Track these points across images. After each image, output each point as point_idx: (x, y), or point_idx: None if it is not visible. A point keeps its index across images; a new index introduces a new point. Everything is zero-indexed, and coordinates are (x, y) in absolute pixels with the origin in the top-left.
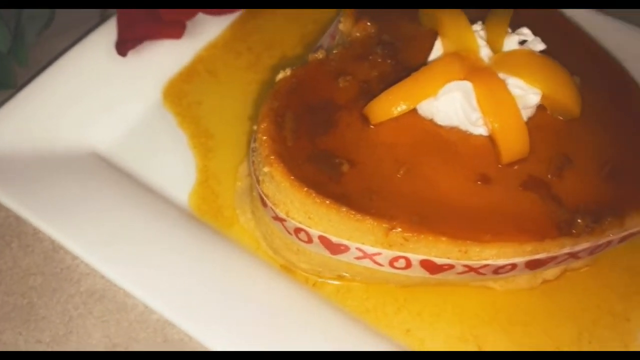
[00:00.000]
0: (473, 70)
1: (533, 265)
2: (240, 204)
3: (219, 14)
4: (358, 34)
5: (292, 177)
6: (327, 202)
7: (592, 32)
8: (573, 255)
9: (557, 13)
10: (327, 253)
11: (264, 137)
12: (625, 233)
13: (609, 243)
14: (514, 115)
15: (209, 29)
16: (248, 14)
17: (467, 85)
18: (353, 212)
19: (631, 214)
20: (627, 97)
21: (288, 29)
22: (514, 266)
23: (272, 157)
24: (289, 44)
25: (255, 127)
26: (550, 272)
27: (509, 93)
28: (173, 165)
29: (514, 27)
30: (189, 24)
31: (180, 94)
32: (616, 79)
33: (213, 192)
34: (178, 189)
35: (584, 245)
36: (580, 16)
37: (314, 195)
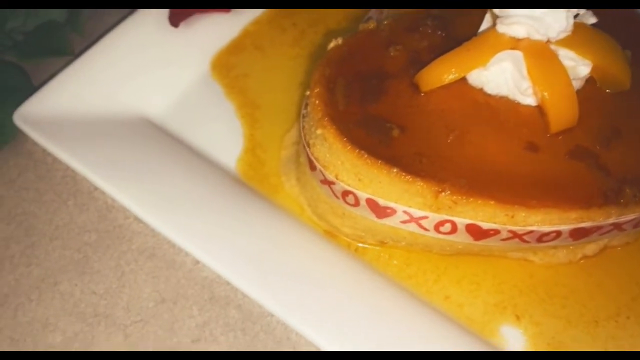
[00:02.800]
0: (524, 39)
1: (578, 234)
2: (286, 171)
3: None
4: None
5: (345, 139)
6: (379, 163)
7: None
8: (618, 227)
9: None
10: (373, 217)
11: (317, 101)
12: None
13: None
14: (565, 83)
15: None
16: None
17: (518, 54)
18: (404, 174)
19: None
20: None
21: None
22: (558, 234)
23: (326, 119)
24: (333, 20)
25: (307, 93)
26: (590, 248)
27: (560, 63)
28: (221, 133)
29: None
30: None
31: (228, 66)
32: None
33: (259, 160)
34: (226, 155)
35: (630, 216)
36: None
37: (365, 156)
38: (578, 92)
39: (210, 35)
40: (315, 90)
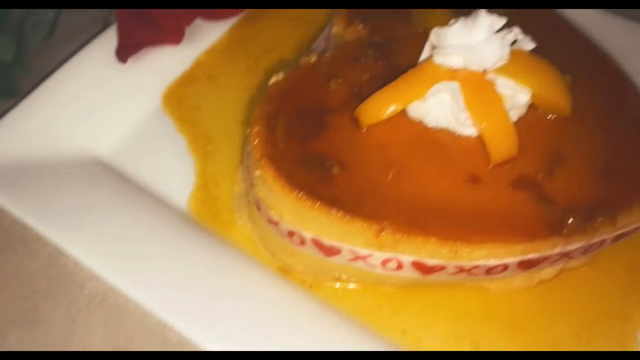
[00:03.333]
0: (461, 70)
1: (525, 265)
2: (238, 207)
3: (218, 19)
4: (350, 37)
5: (283, 180)
6: (317, 204)
7: (588, 28)
8: (566, 255)
9: (554, 14)
10: (321, 255)
11: (256, 141)
12: (619, 232)
13: (602, 242)
14: (501, 115)
15: (208, 34)
16: (247, 18)
17: (455, 85)
18: (343, 214)
19: (623, 212)
20: (621, 94)
21: (286, 32)
22: (505, 267)
23: (264, 160)
24: (287, 47)
25: (248, 131)
26: (547, 272)
27: (496, 93)
28: (173, 169)
29: (507, 25)
30: (188, 29)
31: (180, 99)
32: (611, 76)
33: (212, 196)
34: (178, 192)
35: (576, 244)
36: (575, 12)
37: (304, 198)
38: (520, 119)
39: (161, 69)
40: (255, 129)
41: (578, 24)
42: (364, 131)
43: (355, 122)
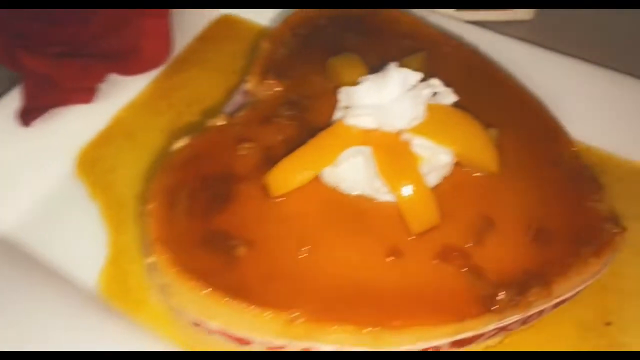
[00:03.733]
0: (374, 131)
1: (459, 344)
2: (152, 283)
3: (134, 73)
4: (263, 94)
5: (177, 268)
6: (217, 294)
7: (518, 64)
8: (502, 329)
9: (478, 55)
10: (234, 344)
11: (151, 221)
12: (557, 300)
13: (541, 312)
14: (417, 181)
15: (127, 88)
16: (170, 69)
17: (367, 150)
18: (247, 304)
19: (558, 280)
20: (553, 144)
21: (213, 82)
22: (437, 348)
23: (158, 244)
24: (210, 98)
25: (143, 208)
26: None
27: (412, 156)
28: (84, 242)
29: (428, 74)
30: (105, 84)
31: (94, 161)
32: (541, 124)
33: (124, 271)
34: (88, 268)
35: (512, 319)
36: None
37: (200, 288)
38: (444, 179)
39: (73, 129)
40: (150, 206)
41: (506, 60)
42: (275, 201)
43: (266, 191)
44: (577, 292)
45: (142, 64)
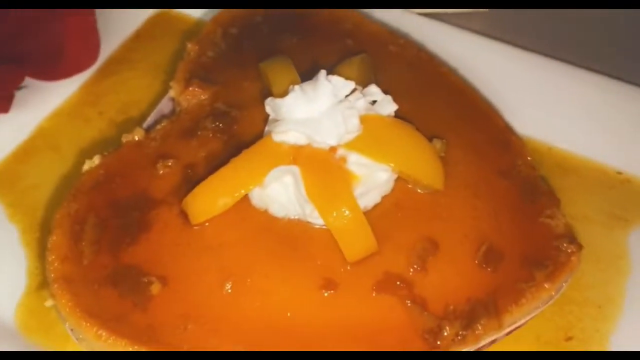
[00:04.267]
0: (305, 147)
1: None
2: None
3: (55, 78)
4: (187, 103)
5: (79, 313)
6: (123, 342)
7: (473, 58)
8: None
9: (426, 53)
10: None
11: (51, 257)
12: (509, 329)
13: (493, 341)
14: (349, 207)
15: (52, 94)
16: (101, 72)
17: (295, 170)
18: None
19: (510, 309)
20: (506, 156)
21: (148, 85)
22: None
23: (57, 285)
24: (149, 103)
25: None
26: None
27: (343, 178)
28: (0, 269)
29: (369, 78)
30: (23, 92)
31: (14, 178)
32: (494, 133)
33: (44, 302)
34: (4, 302)
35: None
36: (463, 40)
37: (105, 336)
38: (385, 198)
39: None
40: (53, 239)
41: (459, 53)
42: (195, 229)
43: (186, 216)
44: (531, 318)
45: (66, 67)
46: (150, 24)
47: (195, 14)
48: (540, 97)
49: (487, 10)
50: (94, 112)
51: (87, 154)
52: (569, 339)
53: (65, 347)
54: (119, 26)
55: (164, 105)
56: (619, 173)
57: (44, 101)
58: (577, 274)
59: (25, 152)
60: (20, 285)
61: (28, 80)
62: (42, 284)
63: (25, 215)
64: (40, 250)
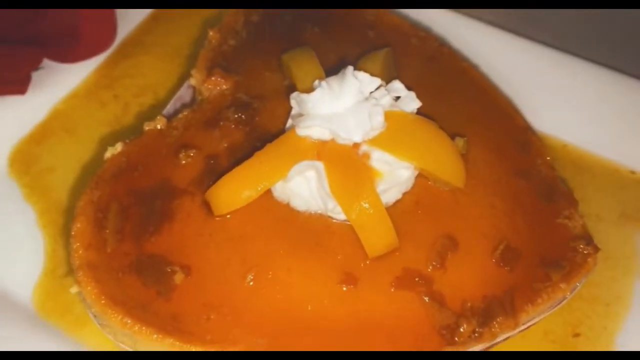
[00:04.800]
0: (329, 143)
1: None
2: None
3: (73, 60)
4: (210, 93)
5: (104, 301)
6: (148, 331)
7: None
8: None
9: (447, 47)
10: None
11: (76, 245)
12: (524, 327)
13: (506, 338)
14: (372, 202)
15: (67, 77)
16: (116, 54)
17: (319, 165)
18: (180, 344)
19: (525, 308)
20: (526, 156)
21: (164, 69)
22: None
23: (82, 272)
24: (164, 87)
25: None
26: None
27: (368, 172)
28: (18, 251)
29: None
30: (39, 73)
31: (30, 160)
32: (514, 132)
33: (62, 285)
34: (22, 282)
35: (475, 348)
36: (485, 34)
37: (130, 324)
38: (406, 195)
39: (4, 124)
40: (77, 226)
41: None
42: (218, 220)
43: (209, 207)
44: (542, 318)
45: (82, 49)
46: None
47: None
48: (557, 94)
49: None
50: (109, 96)
51: (103, 138)
52: (577, 335)
53: (81, 329)
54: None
55: (184, 93)
56: (633, 173)
57: (59, 83)
58: None
59: (41, 134)
60: (37, 267)
61: (44, 62)
62: (58, 266)
63: (41, 197)
64: (58, 233)
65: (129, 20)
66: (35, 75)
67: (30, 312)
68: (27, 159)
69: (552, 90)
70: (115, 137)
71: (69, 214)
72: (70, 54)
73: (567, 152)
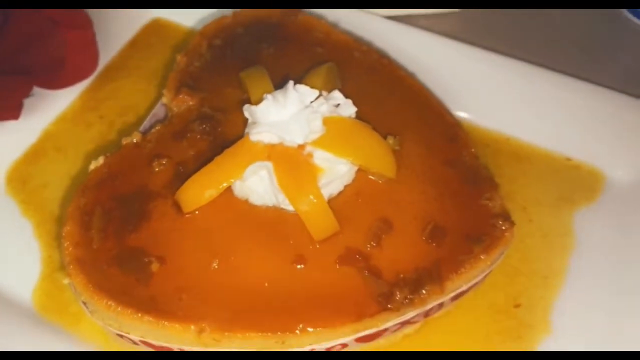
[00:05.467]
0: (277, 146)
1: (364, 340)
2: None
3: (60, 86)
4: (178, 109)
5: (92, 289)
6: (129, 311)
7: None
8: (406, 323)
9: (385, 59)
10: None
11: (66, 243)
12: (453, 294)
13: (441, 305)
14: (314, 193)
15: (56, 101)
16: (100, 79)
17: (269, 165)
18: (156, 320)
19: (450, 277)
20: (453, 148)
21: (144, 90)
22: (344, 345)
23: (72, 266)
24: (145, 106)
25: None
26: (410, 327)
27: (310, 169)
28: (17, 259)
29: (335, 82)
30: (30, 100)
31: (25, 178)
32: (443, 129)
33: (58, 287)
34: (22, 285)
35: (410, 314)
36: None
37: (113, 306)
38: (348, 186)
39: (1, 147)
40: (66, 229)
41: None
42: (187, 216)
43: (179, 206)
44: (474, 285)
45: (68, 77)
46: (144, 33)
47: (185, 21)
48: (499, 92)
49: (457, 11)
50: (95, 116)
51: (90, 154)
52: (518, 305)
53: (77, 324)
54: (116, 35)
55: (158, 110)
56: (568, 159)
57: (49, 108)
58: (528, 247)
59: (34, 154)
60: (35, 272)
61: (34, 89)
62: (55, 270)
63: (36, 211)
64: (52, 241)
65: (110, 47)
66: (26, 102)
67: (31, 311)
68: (22, 177)
69: (493, 89)
70: (100, 152)
71: (62, 223)
72: (57, 81)
73: (508, 144)
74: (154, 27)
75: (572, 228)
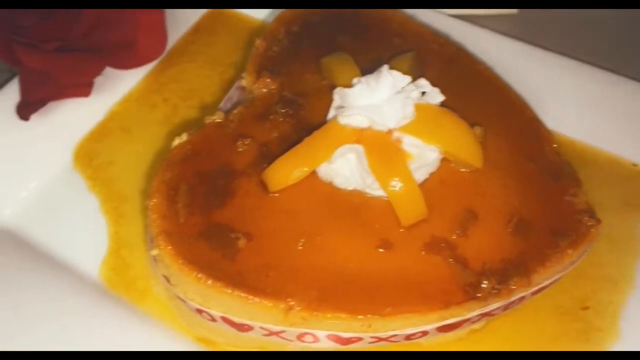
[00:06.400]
0: (367, 130)
1: (445, 329)
2: (155, 273)
3: (129, 67)
4: (259, 91)
5: (181, 261)
6: (218, 285)
7: (502, 59)
8: (486, 315)
9: (464, 51)
10: (235, 331)
11: (154, 216)
12: (536, 288)
13: (522, 298)
14: (405, 178)
15: (122, 82)
16: (164, 62)
17: (359, 148)
18: (245, 295)
19: (538, 270)
20: (534, 140)
21: (206, 75)
22: (424, 332)
23: (161, 238)
24: (207, 92)
25: (146, 202)
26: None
27: (401, 154)
28: (84, 233)
29: (417, 73)
30: (99, 78)
31: (92, 155)
32: (525, 123)
33: (125, 262)
34: (89, 260)
35: (494, 305)
36: (493, 42)
37: (203, 279)
38: (432, 175)
39: (70, 122)
40: (153, 201)
41: (490, 54)
42: (272, 196)
43: (264, 186)
44: (556, 280)
45: (137, 57)
46: (206, 19)
47: (246, 10)
48: (565, 95)
49: (516, 12)
50: (159, 99)
51: (153, 134)
52: (585, 308)
53: (143, 299)
54: (179, 20)
55: (233, 93)
56: (634, 165)
57: (116, 88)
58: (595, 252)
59: (101, 133)
60: (102, 247)
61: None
62: (122, 246)
63: (102, 187)
64: (119, 217)
65: (174, 31)
66: (95, 81)
67: (99, 285)
68: (89, 154)
69: (558, 91)
70: (166, 135)
71: (128, 201)
72: (127, 61)
73: (573, 147)
74: (216, 15)
75: (638, 233)
